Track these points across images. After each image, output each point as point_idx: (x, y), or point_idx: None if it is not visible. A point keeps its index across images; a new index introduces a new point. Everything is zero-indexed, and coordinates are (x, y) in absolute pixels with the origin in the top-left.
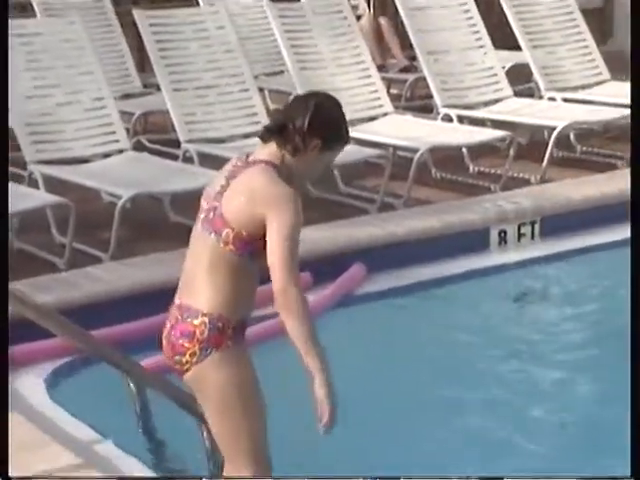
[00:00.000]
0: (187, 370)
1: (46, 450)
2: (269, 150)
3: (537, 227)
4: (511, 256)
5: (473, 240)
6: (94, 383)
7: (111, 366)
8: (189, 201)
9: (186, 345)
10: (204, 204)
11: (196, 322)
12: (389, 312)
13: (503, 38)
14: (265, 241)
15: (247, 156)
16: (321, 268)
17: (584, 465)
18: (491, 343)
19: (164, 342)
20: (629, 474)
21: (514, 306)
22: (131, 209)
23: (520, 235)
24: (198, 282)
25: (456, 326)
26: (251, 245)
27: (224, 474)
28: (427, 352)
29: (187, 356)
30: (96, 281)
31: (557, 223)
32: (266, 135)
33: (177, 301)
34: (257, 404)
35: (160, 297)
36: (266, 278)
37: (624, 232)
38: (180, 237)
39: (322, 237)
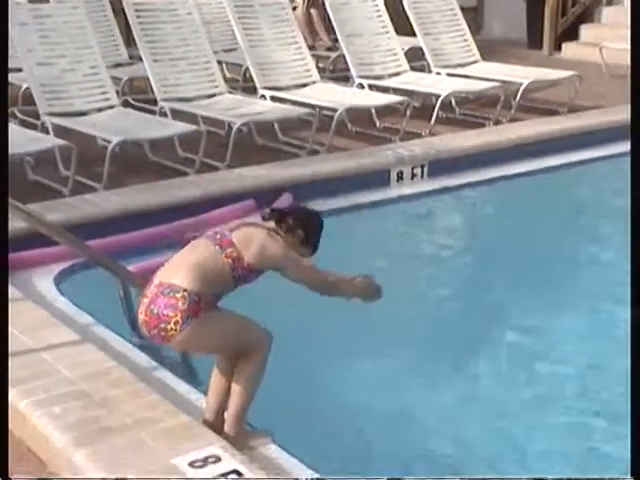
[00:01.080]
0: (172, 337)
1: (53, 329)
2: (268, 225)
3: (426, 169)
4: (406, 190)
5: (378, 178)
6: (91, 281)
7: (103, 268)
8: (164, 145)
9: (170, 314)
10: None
11: (178, 295)
12: None
13: (403, 27)
14: (255, 275)
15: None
16: (262, 197)
17: None
18: (391, 256)
19: (144, 316)
20: (629, 474)
21: (410, 227)
22: (119, 151)
23: (413, 175)
24: (185, 268)
25: (364, 242)
26: (246, 271)
27: (248, 370)
28: (344, 261)
29: (172, 324)
30: (92, 205)
31: (440, 166)
32: (271, 215)
33: (156, 281)
34: (235, 316)
35: (140, 218)
36: None
37: (487, 174)
38: (156, 173)
39: (264, 174)
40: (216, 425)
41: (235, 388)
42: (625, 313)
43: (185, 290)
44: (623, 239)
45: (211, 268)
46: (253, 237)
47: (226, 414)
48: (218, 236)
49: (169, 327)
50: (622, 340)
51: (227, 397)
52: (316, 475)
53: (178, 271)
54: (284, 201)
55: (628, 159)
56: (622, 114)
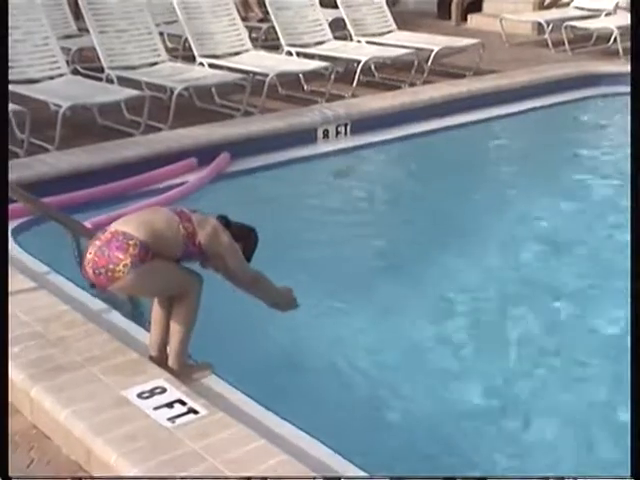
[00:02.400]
0: (117, 279)
1: (12, 278)
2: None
3: (349, 127)
4: (331, 147)
5: (306, 136)
6: (47, 234)
7: (56, 222)
8: (111, 109)
9: (120, 257)
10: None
11: (130, 242)
12: (248, 185)
13: (327, 0)
14: (198, 256)
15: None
16: (202, 156)
17: None
18: (318, 207)
19: (93, 256)
20: (629, 474)
21: (336, 178)
22: (70, 115)
23: (337, 132)
24: (142, 223)
25: (295, 194)
26: (195, 248)
27: (184, 311)
28: (277, 209)
29: (120, 266)
30: (45, 165)
31: (362, 124)
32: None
33: (112, 228)
34: (170, 263)
35: (91, 176)
36: None
37: (404, 131)
38: (105, 135)
39: (203, 134)
40: (160, 360)
41: (174, 327)
42: (530, 251)
43: (138, 239)
44: (523, 183)
45: (165, 231)
46: (209, 221)
47: (168, 349)
48: (179, 209)
49: (117, 269)
50: (522, 275)
51: (167, 334)
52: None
53: (135, 224)
54: (222, 159)
55: (525, 116)
56: (520, 77)
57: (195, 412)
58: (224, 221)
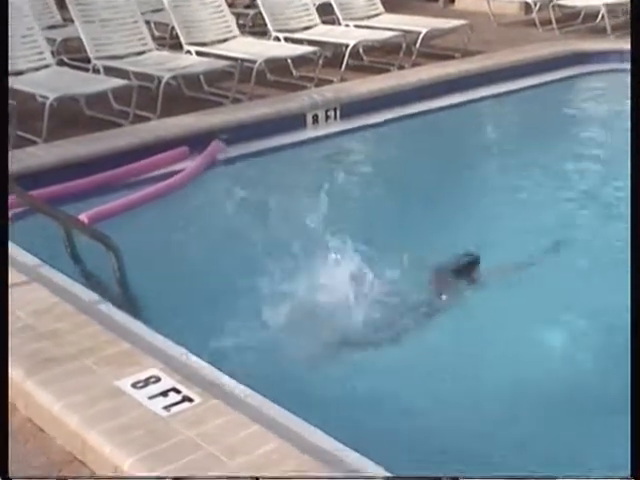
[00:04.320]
0: None
1: None
2: None
3: (338, 112)
4: (321, 131)
5: (296, 121)
6: (36, 227)
7: (46, 215)
8: (98, 100)
9: None
10: None
11: None
12: (242, 171)
13: None
14: None
15: None
16: (193, 144)
17: None
18: (309, 187)
19: None
20: (629, 474)
21: (327, 163)
22: (57, 107)
23: (327, 117)
24: None
25: (287, 177)
26: None
27: None
28: (269, 193)
29: None
30: (33, 157)
31: (351, 108)
32: None
33: None
34: None
35: (79, 167)
36: None
37: (393, 114)
38: (92, 126)
39: (193, 122)
40: None
41: None
42: (521, 233)
43: None
44: (514, 162)
45: None
46: None
47: None
48: None
49: None
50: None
51: None
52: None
53: None
54: (215, 147)
55: (515, 95)
56: (508, 57)
57: (190, 400)
58: None
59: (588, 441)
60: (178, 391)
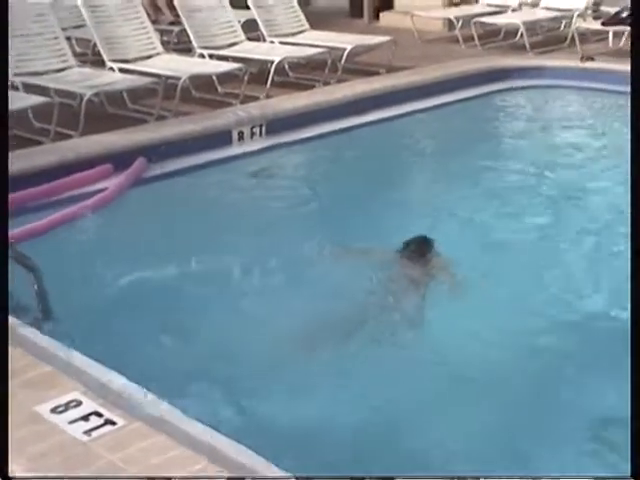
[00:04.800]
0: None
1: None
2: None
3: (263, 128)
4: (247, 148)
5: (221, 138)
6: None
7: None
8: (18, 117)
9: None
10: None
11: None
12: (166, 190)
13: (239, 1)
14: None
15: None
16: (117, 162)
17: None
18: (233, 207)
19: None
20: (629, 474)
21: (252, 180)
22: None
23: (252, 134)
24: None
25: (212, 195)
26: None
27: None
28: (196, 213)
29: None
30: None
31: (277, 125)
32: None
33: None
34: None
35: None
36: None
37: (319, 130)
38: (13, 144)
39: (117, 140)
40: None
41: None
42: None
43: None
44: (438, 176)
45: None
46: None
47: None
48: None
49: None
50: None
51: None
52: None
53: None
54: (139, 165)
55: (439, 110)
56: (432, 73)
57: (112, 423)
58: None
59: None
60: (100, 414)
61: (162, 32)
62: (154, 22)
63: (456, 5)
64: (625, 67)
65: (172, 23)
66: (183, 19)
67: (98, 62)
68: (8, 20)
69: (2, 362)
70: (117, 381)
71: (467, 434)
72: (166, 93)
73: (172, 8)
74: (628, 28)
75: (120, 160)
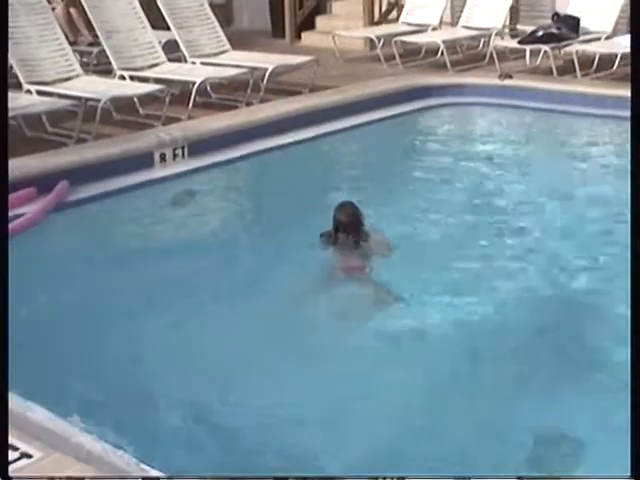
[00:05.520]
0: None
1: None
2: None
3: (186, 150)
4: (169, 170)
5: (143, 161)
6: None
7: None
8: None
9: None
10: None
11: None
12: (88, 213)
13: (159, 22)
14: None
15: None
16: (40, 185)
17: None
18: (157, 227)
19: None
20: (629, 474)
21: (174, 202)
22: None
23: (175, 156)
24: None
25: (134, 217)
26: None
27: None
28: (118, 237)
29: None
30: None
31: (199, 146)
32: None
33: None
34: None
35: None
36: None
37: (242, 151)
38: None
39: (34, 164)
40: None
41: None
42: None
43: None
44: (363, 195)
45: None
46: None
47: None
48: None
49: None
50: None
51: None
52: None
53: None
54: (62, 188)
55: (361, 129)
56: (354, 92)
57: (29, 456)
58: None
59: None
60: (16, 448)
61: (81, 53)
62: (72, 43)
63: (377, 24)
64: (541, 84)
65: (91, 44)
66: (102, 40)
67: (15, 85)
68: (8, 21)
69: (2, 362)
70: (34, 411)
71: None
72: (86, 115)
73: (91, 29)
74: (544, 47)
75: (40, 184)
